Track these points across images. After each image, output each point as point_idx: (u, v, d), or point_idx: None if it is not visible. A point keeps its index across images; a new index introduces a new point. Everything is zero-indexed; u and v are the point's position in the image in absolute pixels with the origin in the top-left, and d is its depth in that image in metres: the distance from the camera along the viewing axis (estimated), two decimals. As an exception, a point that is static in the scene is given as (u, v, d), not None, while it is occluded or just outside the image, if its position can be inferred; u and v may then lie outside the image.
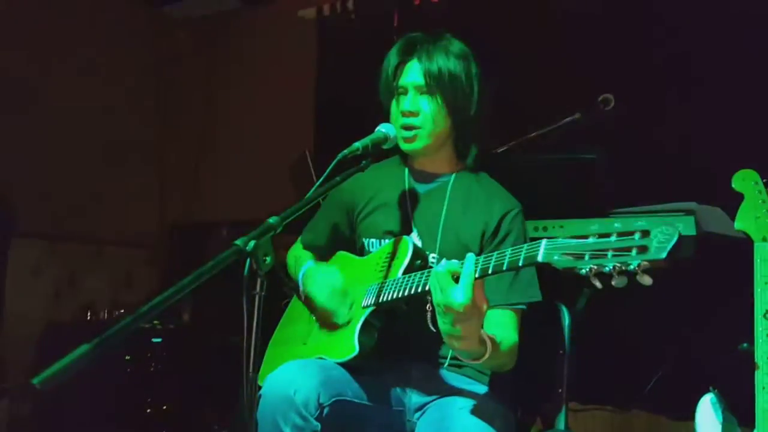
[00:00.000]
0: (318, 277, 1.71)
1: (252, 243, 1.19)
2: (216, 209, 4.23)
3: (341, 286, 1.67)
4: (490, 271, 1.27)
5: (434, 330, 1.52)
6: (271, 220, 1.27)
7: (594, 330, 2.79)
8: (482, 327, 1.32)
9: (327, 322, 1.65)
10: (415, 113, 1.65)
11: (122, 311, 3.59)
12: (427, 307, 1.51)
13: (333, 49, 3.96)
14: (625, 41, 2.97)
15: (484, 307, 1.29)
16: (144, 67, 4.43)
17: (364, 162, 1.59)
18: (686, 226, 2.16)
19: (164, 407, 3.08)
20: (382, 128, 1.64)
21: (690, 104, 2.82)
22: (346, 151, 1.53)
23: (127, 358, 3.11)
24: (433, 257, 1.62)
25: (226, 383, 2.80)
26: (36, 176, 3.70)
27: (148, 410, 3.07)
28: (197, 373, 3.21)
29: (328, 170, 1.48)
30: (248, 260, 1.20)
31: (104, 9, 4.16)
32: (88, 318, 3.59)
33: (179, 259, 4.20)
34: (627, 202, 2.30)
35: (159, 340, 3.23)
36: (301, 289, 1.77)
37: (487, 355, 1.34)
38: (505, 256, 1.26)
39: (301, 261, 1.85)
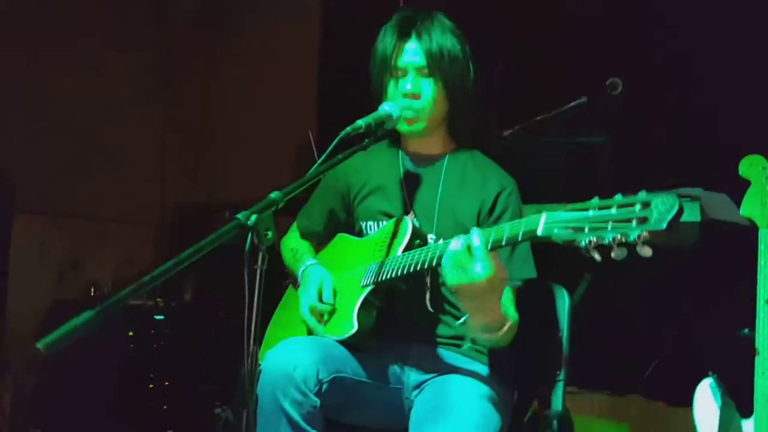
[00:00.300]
0: (310, 285, 1.70)
1: (254, 217, 1.19)
2: (219, 190, 4.24)
3: (340, 262, 1.67)
4: (495, 243, 1.27)
5: (432, 310, 1.52)
6: (273, 195, 1.28)
7: (593, 314, 2.81)
8: None
9: (318, 307, 1.66)
10: (417, 96, 1.64)
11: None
12: (426, 287, 1.52)
13: (336, 30, 3.94)
14: (630, 24, 2.95)
15: (506, 274, 1.29)
16: (145, 45, 4.42)
17: (366, 140, 1.59)
18: (691, 212, 2.15)
19: (166, 383, 3.11)
20: (386, 106, 1.63)
21: (697, 89, 2.80)
22: (348, 129, 1.53)
23: (131, 334, 3.13)
24: (431, 237, 1.62)
25: (227, 361, 2.83)
26: (40, 154, 3.71)
27: (151, 386, 3.10)
28: (199, 350, 3.23)
29: (330, 147, 1.48)
30: (250, 234, 1.20)
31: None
32: (92, 295, 3.61)
33: (182, 239, 4.21)
34: (632, 187, 2.30)
35: (161, 317, 3.24)
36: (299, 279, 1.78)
37: (506, 327, 1.34)
38: (504, 230, 1.25)
39: (299, 255, 1.85)
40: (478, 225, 1.62)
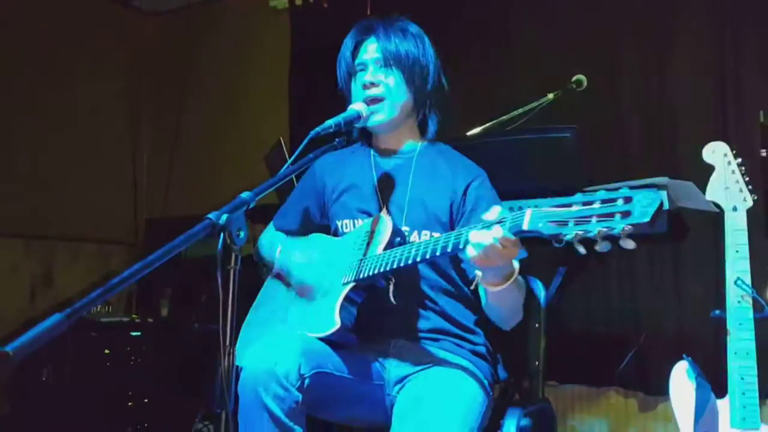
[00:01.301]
0: (295, 251, 1.72)
1: (225, 216, 1.19)
2: (192, 203, 4.19)
3: (319, 258, 1.67)
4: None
5: (394, 302, 1.53)
6: (244, 194, 1.27)
7: (569, 307, 2.84)
8: None
9: (306, 294, 1.66)
10: (377, 84, 1.68)
11: (98, 308, 3.55)
12: (389, 281, 1.53)
13: (306, 38, 3.95)
14: (592, 17, 3.01)
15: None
16: (116, 64, 4.39)
17: (337, 140, 1.60)
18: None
19: (145, 400, 3.06)
20: (355, 107, 1.65)
21: (659, 80, 2.87)
22: (318, 129, 1.55)
23: (107, 352, 3.09)
24: (405, 230, 1.63)
25: (206, 373, 2.80)
26: (10, 174, 3.65)
27: (130, 403, 3.05)
28: (177, 365, 3.19)
29: (300, 147, 1.48)
30: (222, 234, 1.19)
31: (75, 7, 4.10)
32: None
33: (156, 253, 4.16)
34: (601, 180, 2.34)
35: (138, 333, 3.20)
36: (277, 265, 1.77)
37: (515, 275, 1.40)
38: (490, 225, 1.27)
39: (276, 240, 1.86)
40: (452, 216, 1.66)
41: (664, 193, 2.15)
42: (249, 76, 4.26)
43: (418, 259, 1.42)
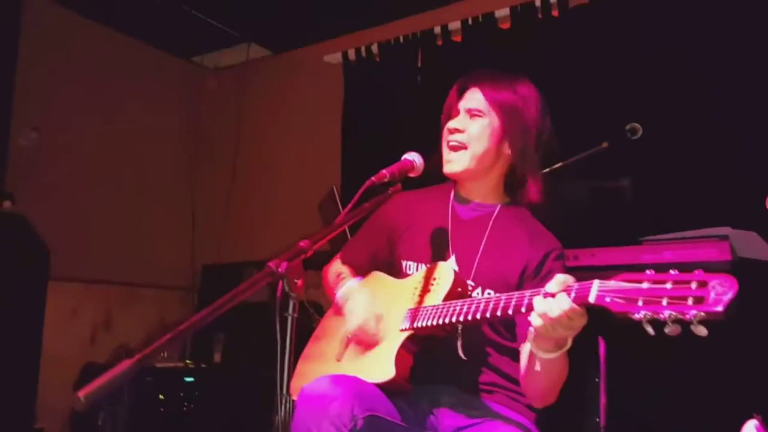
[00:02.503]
0: (359, 297, 1.70)
1: (284, 264, 1.21)
2: (246, 249, 4.29)
3: (379, 299, 1.67)
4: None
5: (465, 358, 1.51)
6: (302, 243, 1.30)
7: (632, 361, 2.74)
8: None
9: (361, 343, 1.65)
10: (461, 130, 1.67)
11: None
12: (458, 334, 1.51)
13: (358, 90, 4.06)
14: (650, 68, 2.99)
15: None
16: (177, 115, 4.59)
17: (391, 189, 1.61)
18: (720, 252, 2.13)
19: (198, 446, 3.08)
20: (409, 156, 1.67)
21: (719, 128, 2.81)
22: (373, 178, 1.56)
23: (161, 397, 3.13)
24: (469, 284, 1.62)
25: (259, 418, 2.80)
26: (72, 221, 3.82)
27: (183, 449, 3.08)
28: (230, 410, 3.20)
29: (356, 197, 1.51)
30: (280, 282, 1.22)
31: (138, 62, 4.34)
32: (123, 358, 3.62)
33: (211, 299, 4.23)
34: (659, 230, 2.28)
35: (191, 379, 3.24)
36: (337, 301, 1.77)
37: (569, 344, 1.35)
38: (556, 294, 1.25)
39: (343, 277, 1.85)
40: (521, 281, 1.61)
41: (726, 245, 2.09)
42: (302, 126, 4.38)
43: (478, 317, 1.40)
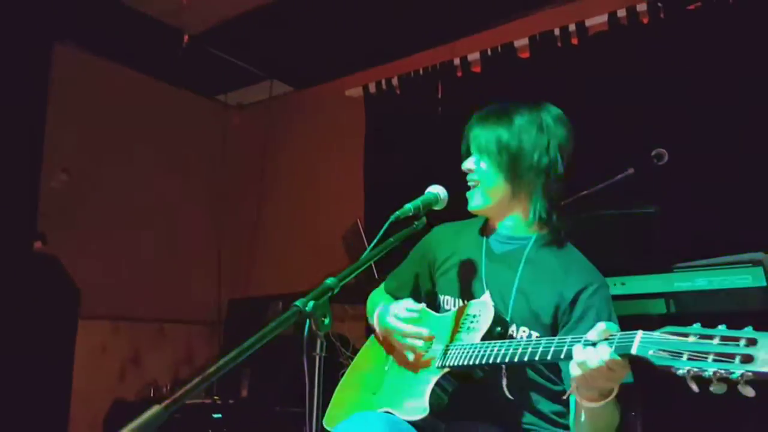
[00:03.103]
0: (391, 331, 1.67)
1: (311, 303, 1.21)
2: (272, 283, 4.30)
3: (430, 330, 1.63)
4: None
5: (511, 398, 1.48)
6: (329, 281, 1.30)
7: (670, 395, 2.66)
8: None
9: (405, 359, 1.63)
10: (472, 170, 1.70)
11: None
12: (503, 374, 1.48)
13: (380, 123, 4.09)
14: (673, 92, 2.97)
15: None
16: (202, 152, 4.67)
17: (416, 223, 1.61)
18: (754, 278, 2.08)
19: (226, 484, 3.06)
20: (433, 189, 1.67)
21: (749, 151, 2.76)
22: (398, 213, 1.56)
23: (189, 435, 3.12)
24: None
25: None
26: (101, 260, 3.87)
27: (211, 488, 3.05)
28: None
29: (381, 232, 1.51)
30: (308, 321, 1.21)
31: (164, 102, 4.44)
32: (152, 395, 3.64)
33: (237, 334, 4.26)
34: (686, 257, 2.23)
35: (219, 415, 3.23)
36: (378, 328, 1.75)
37: (615, 393, 1.29)
38: (596, 344, 1.22)
39: (382, 302, 1.83)
40: (555, 320, 1.56)
41: (760, 269, 2.04)
42: (326, 159, 4.43)
43: (516, 360, 1.37)
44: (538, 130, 1.66)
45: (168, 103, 4.47)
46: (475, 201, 1.70)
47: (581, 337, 1.26)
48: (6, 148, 3.37)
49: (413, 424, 1.49)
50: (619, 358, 1.18)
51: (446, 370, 1.50)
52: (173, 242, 4.36)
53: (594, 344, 1.22)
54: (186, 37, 3.86)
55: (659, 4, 3.11)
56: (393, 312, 1.66)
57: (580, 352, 1.23)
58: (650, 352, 1.09)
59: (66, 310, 3.42)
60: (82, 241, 3.77)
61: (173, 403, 0.90)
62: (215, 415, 3.24)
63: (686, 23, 3.03)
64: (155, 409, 0.90)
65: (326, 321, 1.24)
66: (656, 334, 1.10)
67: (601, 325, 1.24)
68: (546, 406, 1.58)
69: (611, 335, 1.21)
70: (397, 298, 1.86)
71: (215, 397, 3.35)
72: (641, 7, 3.17)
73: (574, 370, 1.24)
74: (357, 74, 4.26)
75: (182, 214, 4.46)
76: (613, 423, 1.40)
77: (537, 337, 1.54)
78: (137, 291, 4.06)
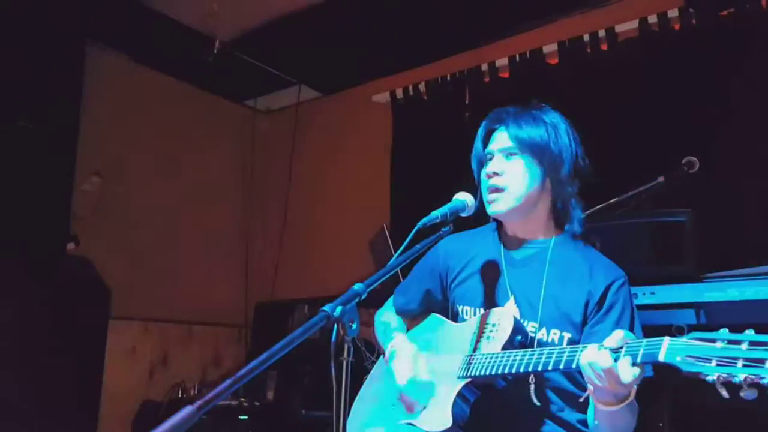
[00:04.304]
0: (403, 358, 1.67)
1: (339, 309, 1.22)
2: (298, 287, 4.34)
3: (436, 343, 1.64)
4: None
5: (539, 404, 1.47)
6: (356, 286, 1.31)
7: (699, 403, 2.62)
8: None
9: (407, 404, 1.63)
10: (499, 173, 1.65)
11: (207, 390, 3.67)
12: (530, 380, 1.48)
13: (407, 128, 4.10)
14: (704, 98, 2.93)
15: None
16: (231, 157, 4.73)
17: (443, 229, 1.61)
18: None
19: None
20: (460, 196, 1.66)
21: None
22: (425, 220, 1.55)
23: (216, 436, 3.16)
24: (533, 326, 1.59)
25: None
26: (131, 262, 3.94)
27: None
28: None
29: (408, 238, 1.50)
30: (335, 326, 1.22)
31: (194, 107, 4.51)
32: (180, 396, 3.69)
33: (264, 337, 4.30)
34: (721, 266, 2.20)
35: (245, 417, 3.26)
36: (387, 361, 1.75)
37: (631, 397, 1.31)
38: (621, 349, 1.23)
39: (389, 329, 1.84)
40: (585, 316, 1.57)
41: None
42: (352, 164, 4.45)
43: (530, 370, 1.38)
44: (566, 134, 1.67)
45: (199, 107, 4.54)
46: (501, 204, 1.64)
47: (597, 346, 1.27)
48: (40, 151, 3.46)
49: None
50: (630, 365, 1.19)
51: (467, 380, 1.50)
52: (202, 246, 4.42)
53: (614, 350, 1.22)
54: (217, 43, 3.92)
55: (691, 10, 3.07)
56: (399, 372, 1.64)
57: (587, 355, 1.25)
58: (678, 359, 1.08)
59: (98, 310, 3.49)
60: (114, 242, 3.84)
61: (205, 405, 0.92)
62: (241, 417, 3.27)
63: (719, 29, 2.99)
64: (188, 409, 0.91)
65: (354, 326, 1.25)
66: (683, 341, 1.09)
67: (619, 333, 1.25)
68: (571, 415, 1.57)
69: (628, 342, 1.21)
70: (406, 314, 1.86)
71: (242, 399, 3.38)
72: (672, 13, 3.13)
73: (585, 370, 1.26)
74: (384, 79, 4.27)
75: (211, 218, 4.51)
76: (630, 424, 1.40)
77: (569, 337, 1.55)
78: (167, 293, 4.12)
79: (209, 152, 4.58)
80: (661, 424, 1.72)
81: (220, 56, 3.96)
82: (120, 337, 3.80)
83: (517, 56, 3.64)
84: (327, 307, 1.23)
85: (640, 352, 1.18)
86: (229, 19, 3.79)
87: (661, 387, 1.71)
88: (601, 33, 3.34)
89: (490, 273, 1.70)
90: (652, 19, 3.19)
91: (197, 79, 4.45)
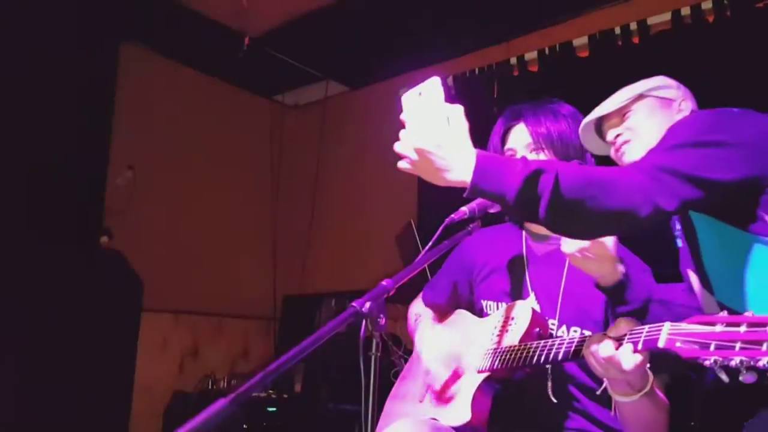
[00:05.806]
0: (429, 338, 1.71)
1: (368, 304, 1.23)
2: (326, 280, 4.37)
3: (460, 339, 1.65)
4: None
5: (555, 400, 1.47)
6: (385, 282, 1.32)
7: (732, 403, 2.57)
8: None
9: (432, 386, 1.65)
10: None
11: (236, 382, 3.73)
12: (548, 375, 1.48)
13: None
14: (741, 93, 2.86)
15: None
16: (260, 151, 4.77)
17: (471, 225, 1.61)
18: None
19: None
20: None
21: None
22: (453, 216, 1.56)
23: (245, 426, 3.20)
24: (553, 323, 1.58)
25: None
26: (163, 255, 4.01)
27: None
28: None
29: (436, 235, 1.51)
30: (364, 321, 1.24)
31: (224, 102, 4.56)
32: (210, 388, 3.75)
33: (292, 329, 4.35)
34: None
35: (274, 409, 3.31)
36: (416, 348, 1.78)
37: (647, 387, 1.29)
38: (624, 337, 1.22)
39: (420, 319, 1.87)
40: (606, 314, 1.56)
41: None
42: (379, 158, 4.45)
43: (541, 362, 1.38)
44: (579, 119, 1.68)
45: (228, 102, 4.59)
46: None
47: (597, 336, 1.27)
48: (75, 146, 3.54)
49: (458, 429, 1.50)
50: (630, 351, 1.18)
51: (487, 374, 1.50)
52: (231, 239, 4.48)
53: (618, 339, 1.22)
54: (247, 40, 3.95)
55: (725, 2, 3.00)
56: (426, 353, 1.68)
57: (590, 344, 1.25)
58: (677, 345, 1.05)
59: (130, 302, 3.56)
60: (146, 236, 3.92)
61: (239, 397, 0.94)
62: (270, 409, 3.32)
63: (754, 21, 2.92)
64: (221, 402, 0.93)
65: (382, 322, 1.26)
66: (684, 325, 1.06)
67: (623, 321, 1.26)
68: (594, 409, 1.57)
69: (632, 330, 1.20)
70: (434, 308, 1.87)
71: (270, 391, 3.43)
72: (706, 5, 3.07)
73: (589, 359, 1.26)
74: (411, 74, 4.26)
75: (240, 211, 4.57)
76: (658, 420, 1.38)
77: (590, 335, 1.53)
78: (197, 285, 4.19)
79: (238, 147, 4.63)
80: (692, 423, 1.70)
81: (249, 52, 4.00)
82: (151, 329, 3.87)
83: (547, 49, 3.61)
84: (356, 303, 1.24)
85: (641, 339, 1.17)
86: (259, 16, 3.82)
87: (697, 385, 1.69)
88: (633, 26, 3.29)
89: (513, 269, 1.71)
90: (685, 11, 3.13)
91: (227, 75, 4.50)
